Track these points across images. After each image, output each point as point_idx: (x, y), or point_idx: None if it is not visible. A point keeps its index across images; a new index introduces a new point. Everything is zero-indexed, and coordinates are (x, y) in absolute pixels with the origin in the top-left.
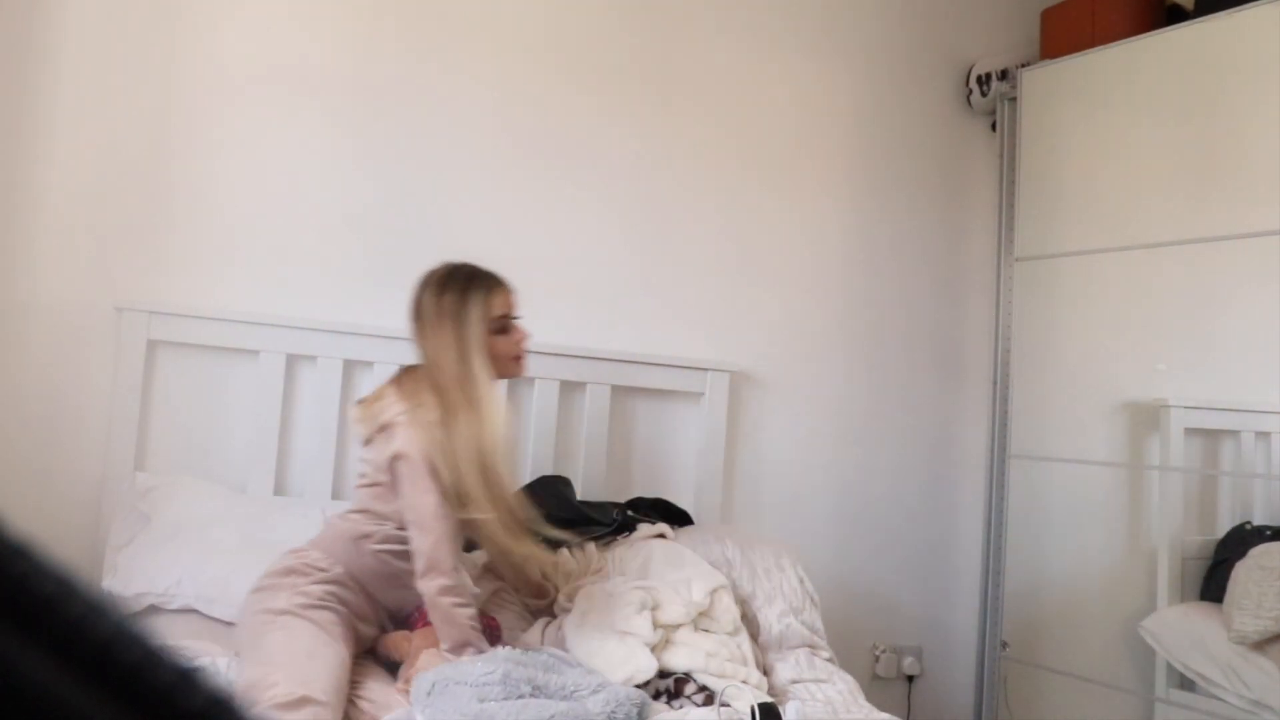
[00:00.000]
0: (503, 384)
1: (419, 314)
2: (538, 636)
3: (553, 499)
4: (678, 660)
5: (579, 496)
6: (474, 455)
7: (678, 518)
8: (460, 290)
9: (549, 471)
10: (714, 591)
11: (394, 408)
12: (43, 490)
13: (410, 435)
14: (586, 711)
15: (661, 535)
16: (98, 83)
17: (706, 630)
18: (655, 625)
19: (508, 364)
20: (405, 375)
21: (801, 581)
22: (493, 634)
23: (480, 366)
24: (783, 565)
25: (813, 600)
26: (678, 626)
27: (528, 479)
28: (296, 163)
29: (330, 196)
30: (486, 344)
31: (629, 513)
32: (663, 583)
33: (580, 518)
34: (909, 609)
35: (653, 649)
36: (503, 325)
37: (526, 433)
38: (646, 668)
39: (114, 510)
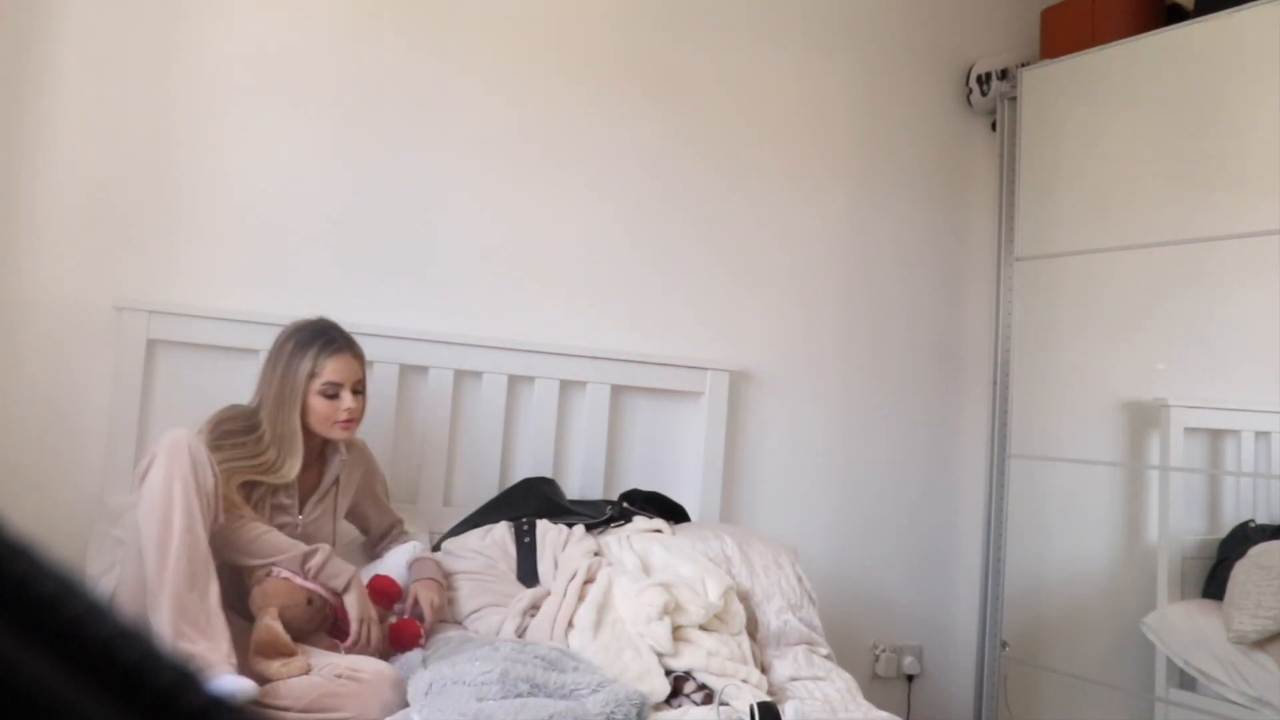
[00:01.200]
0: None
1: (269, 353)
2: (511, 628)
3: (537, 500)
4: (679, 660)
5: (579, 495)
6: (247, 474)
7: (674, 513)
8: (300, 343)
9: (548, 471)
10: (726, 592)
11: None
12: (43, 490)
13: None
14: (585, 711)
15: (658, 531)
16: (97, 82)
17: (712, 630)
18: (672, 626)
19: (328, 426)
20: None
21: (799, 579)
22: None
23: (293, 414)
24: (781, 562)
25: (810, 597)
26: (689, 626)
27: (523, 479)
28: (296, 160)
29: (330, 194)
30: (304, 398)
31: (624, 504)
32: (677, 579)
33: (567, 514)
34: (909, 608)
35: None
36: (330, 391)
37: (526, 431)
38: (661, 690)
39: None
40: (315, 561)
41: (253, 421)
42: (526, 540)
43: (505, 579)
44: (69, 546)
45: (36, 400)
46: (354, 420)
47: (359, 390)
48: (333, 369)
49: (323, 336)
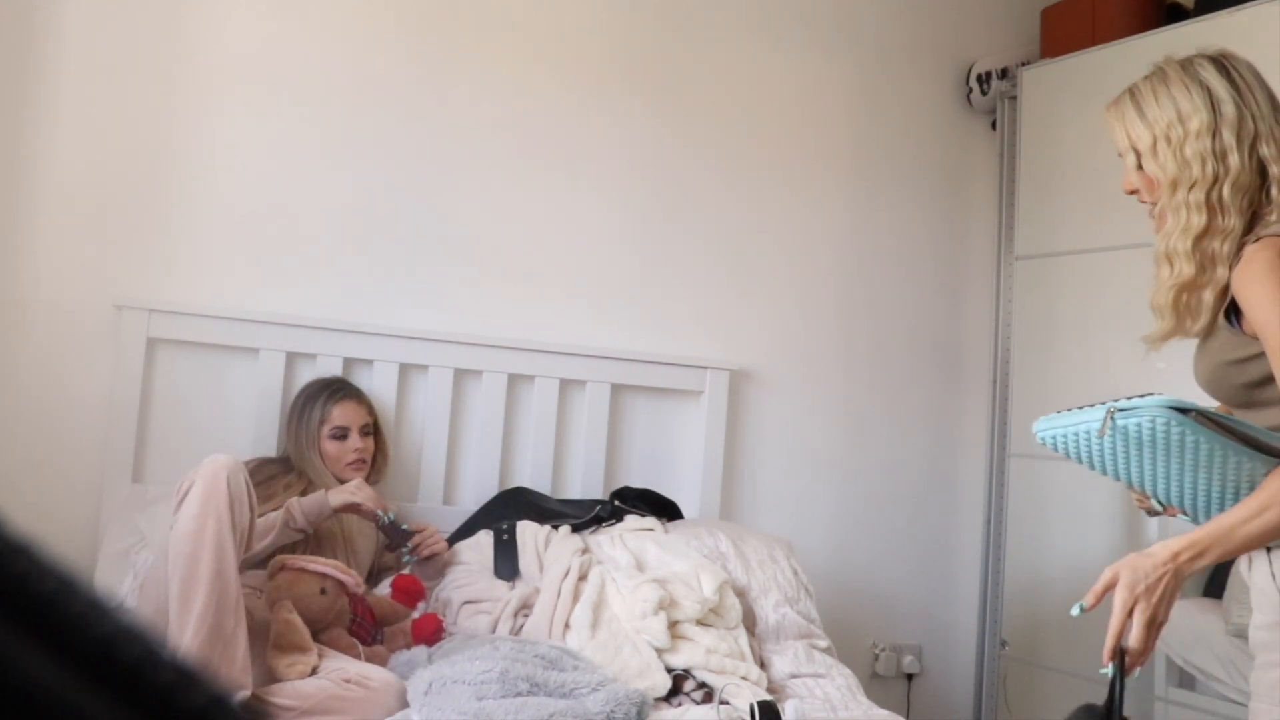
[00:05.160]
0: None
1: (287, 411)
2: (506, 629)
3: (517, 508)
4: (677, 658)
5: (580, 494)
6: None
7: (666, 509)
8: (309, 395)
9: (547, 470)
10: (721, 586)
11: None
12: (41, 488)
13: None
14: (585, 710)
15: (650, 530)
16: (97, 80)
17: (709, 625)
18: (668, 622)
19: (341, 467)
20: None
21: (795, 572)
22: (409, 595)
23: (315, 458)
24: (775, 556)
25: (807, 590)
26: (686, 622)
27: (522, 480)
28: (296, 159)
29: (330, 193)
30: (319, 443)
31: (616, 502)
32: (672, 575)
33: (553, 515)
34: (909, 607)
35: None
36: (338, 434)
37: (526, 430)
38: (662, 685)
39: (114, 510)
40: (295, 508)
41: (287, 465)
42: (505, 538)
43: (484, 576)
44: (66, 544)
45: (36, 398)
46: (364, 460)
47: (368, 433)
48: (339, 413)
49: (330, 387)
